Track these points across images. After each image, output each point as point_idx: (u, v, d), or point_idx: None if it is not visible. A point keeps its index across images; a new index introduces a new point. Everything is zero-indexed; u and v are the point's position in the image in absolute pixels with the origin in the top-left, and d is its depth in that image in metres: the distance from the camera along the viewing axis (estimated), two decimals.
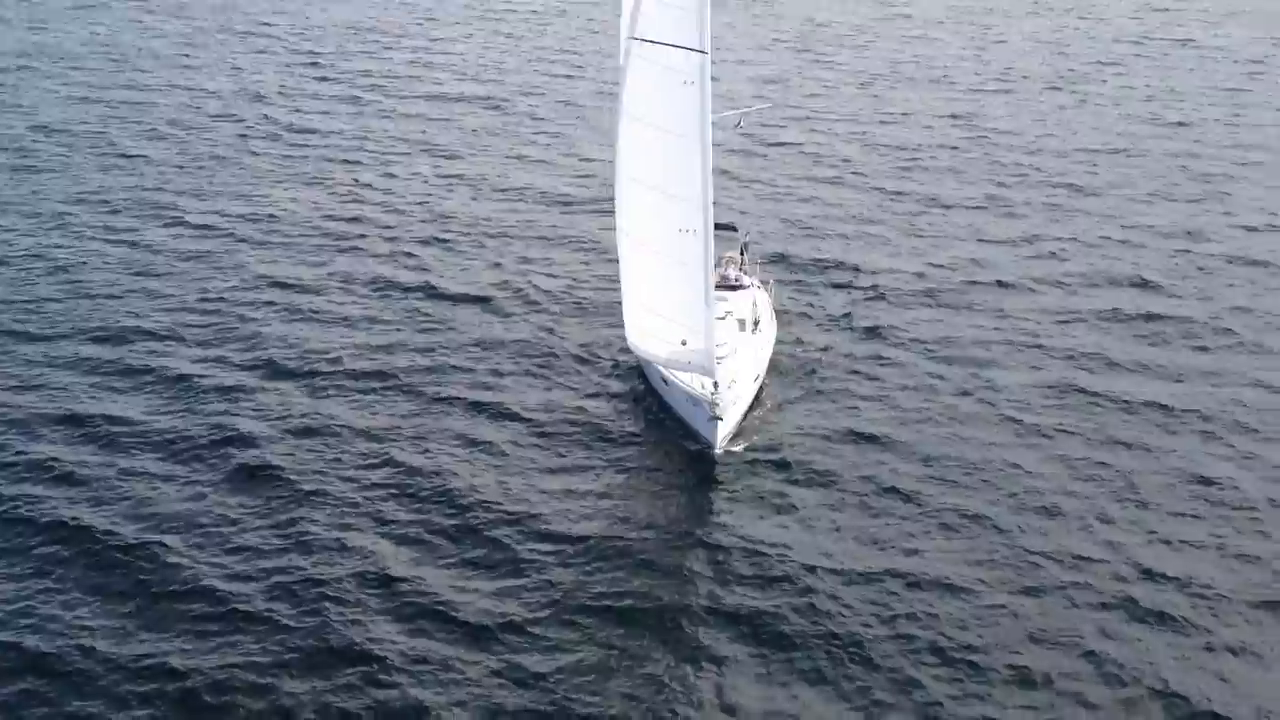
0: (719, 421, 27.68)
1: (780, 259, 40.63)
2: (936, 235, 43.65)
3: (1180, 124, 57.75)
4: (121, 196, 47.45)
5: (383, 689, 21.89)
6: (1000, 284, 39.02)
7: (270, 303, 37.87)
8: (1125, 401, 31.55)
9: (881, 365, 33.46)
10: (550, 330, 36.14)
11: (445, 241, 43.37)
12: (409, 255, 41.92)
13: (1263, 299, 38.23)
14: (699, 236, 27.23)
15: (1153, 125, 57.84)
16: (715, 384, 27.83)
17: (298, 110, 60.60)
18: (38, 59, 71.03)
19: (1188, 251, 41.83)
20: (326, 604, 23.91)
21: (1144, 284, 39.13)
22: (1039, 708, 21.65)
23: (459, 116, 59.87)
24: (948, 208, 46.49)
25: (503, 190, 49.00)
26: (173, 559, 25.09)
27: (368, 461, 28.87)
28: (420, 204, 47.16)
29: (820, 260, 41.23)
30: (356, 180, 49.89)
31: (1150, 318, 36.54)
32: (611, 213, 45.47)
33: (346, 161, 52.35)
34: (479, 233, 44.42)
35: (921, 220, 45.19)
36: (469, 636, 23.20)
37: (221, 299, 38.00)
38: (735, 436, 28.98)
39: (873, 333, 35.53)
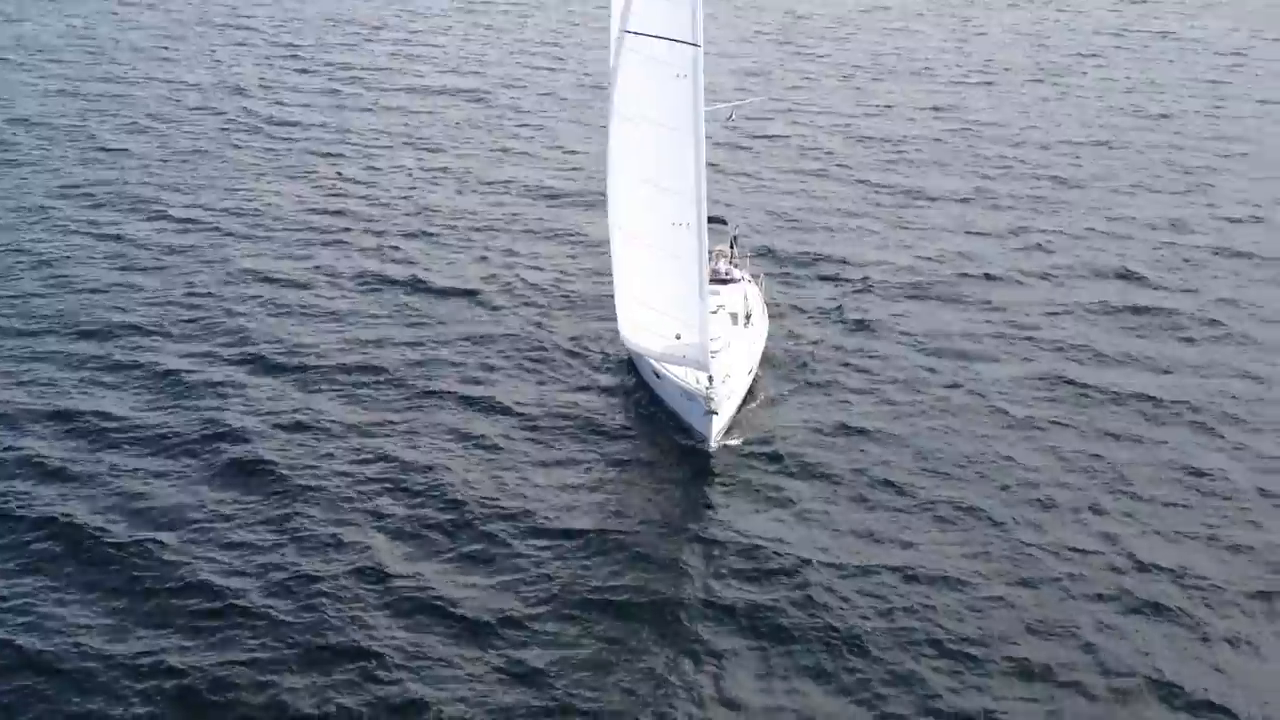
0: (714, 416, 27.61)
1: (767, 252, 40.63)
2: (923, 228, 43.74)
3: (1162, 116, 58.08)
4: (104, 190, 47.05)
5: (381, 685, 21.77)
6: (988, 276, 39.15)
7: (257, 297, 37.63)
8: (1114, 393, 31.70)
9: (872, 358, 33.51)
10: (539, 324, 36.02)
11: (431, 235, 43.18)
12: (395, 249, 41.71)
13: (1247, 290, 38.48)
14: (692, 230, 27.17)
15: (1134, 117, 58.14)
16: (710, 378, 27.77)
17: (279, 103, 60.23)
18: (13, 51, 70.38)
19: (1173, 244, 42.07)
20: (323, 600, 23.77)
21: (1130, 276, 39.34)
22: (1037, 699, 21.72)
23: (441, 109, 59.62)
24: (933, 200, 46.60)
25: (488, 183, 48.83)
26: (167, 556, 24.90)
27: (360, 457, 28.71)
28: (405, 197, 46.95)
29: (807, 253, 41.25)
30: (340, 174, 49.63)
31: (1137, 310, 36.73)
32: (598, 205, 45.82)
33: (329, 155, 52.05)
34: (465, 226, 44.24)
35: (907, 213, 45.28)
36: (466, 631, 23.10)
37: (208, 294, 37.72)
38: (729, 430, 28.96)
39: (862, 326, 35.58)
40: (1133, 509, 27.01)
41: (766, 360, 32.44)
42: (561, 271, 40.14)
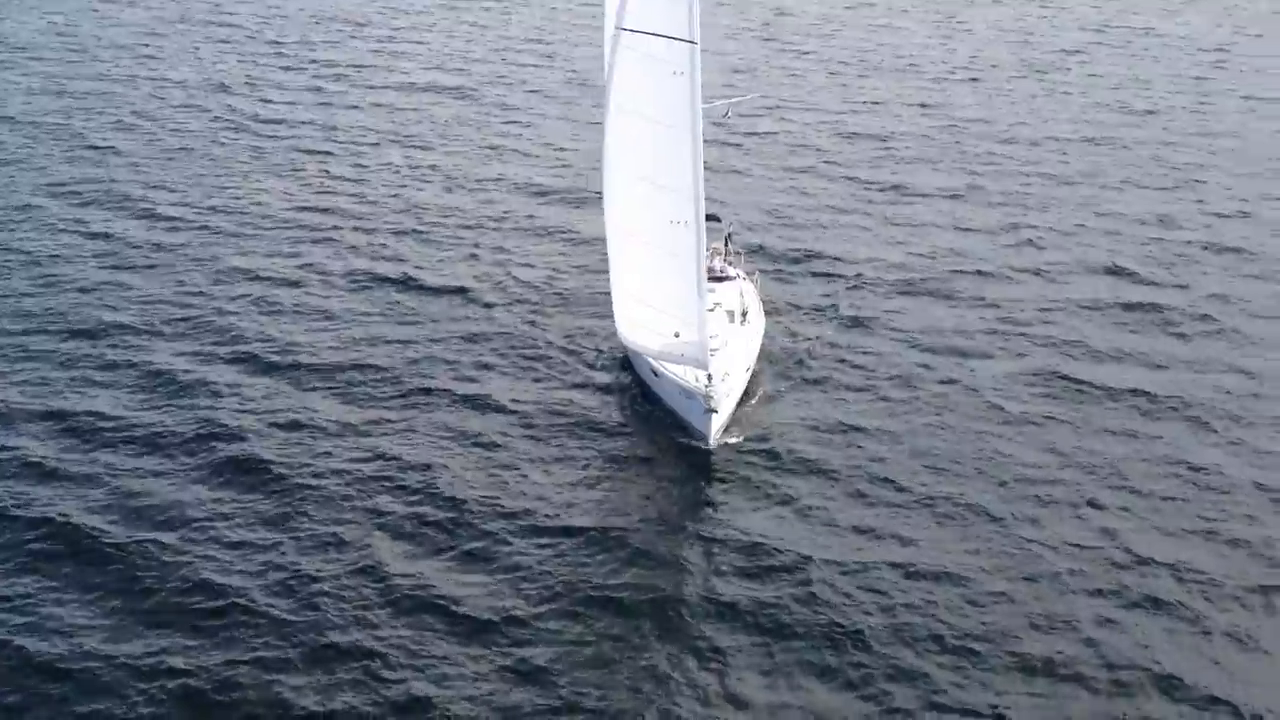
0: (714, 414, 27.58)
1: (759, 249, 40.61)
2: (914, 224, 43.82)
3: (1148, 112, 58.35)
4: (91, 188, 46.73)
5: (385, 684, 21.69)
6: (980, 273, 39.25)
7: (248, 295, 37.44)
8: (1109, 389, 31.81)
9: (867, 355, 33.55)
10: (533, 322, 35.95)
11: (421, 233, 43.03)
12: (386, 247, 41.56)
13: (1237, 285, 38.69)
14: (691, 228, 27.14)
15: (1121, 114, 58.39)
16: (709, 376, 27.73)
17: (264, 100, 59.94)
18: None
19: (1162, 239, 42.26)
20: (324, 599, 23.68)
21: (1121, 272, 39.49)
22: (1040, 693, 21.78)
23: (428, 106, 59.43)
24: (923, 196, 46.70)
25: (477, 181, 48.68)
26: (167, 556, 24.76)
27: (357, 455, 28.59)
28: (394, 195, 46.78)
29: (800, 250, 41.27)
30: (328, 172, 49.41)
31: (1129, 306, 36.88)
32: (588, 203, 45.88)
33: (317, 152, 51.82)
34: (455, 224, 44.11)
35: (898, 209, 45.36)
36: (469, 630, 23.03)
37: (199, 292, 37.52)
38: (728, 428, 28.94)
39: (857, 322, 35.63)
40: (1130, 504, 27.12)
41: (763, 357, 32.45)
42: (553, 269, 40.05)
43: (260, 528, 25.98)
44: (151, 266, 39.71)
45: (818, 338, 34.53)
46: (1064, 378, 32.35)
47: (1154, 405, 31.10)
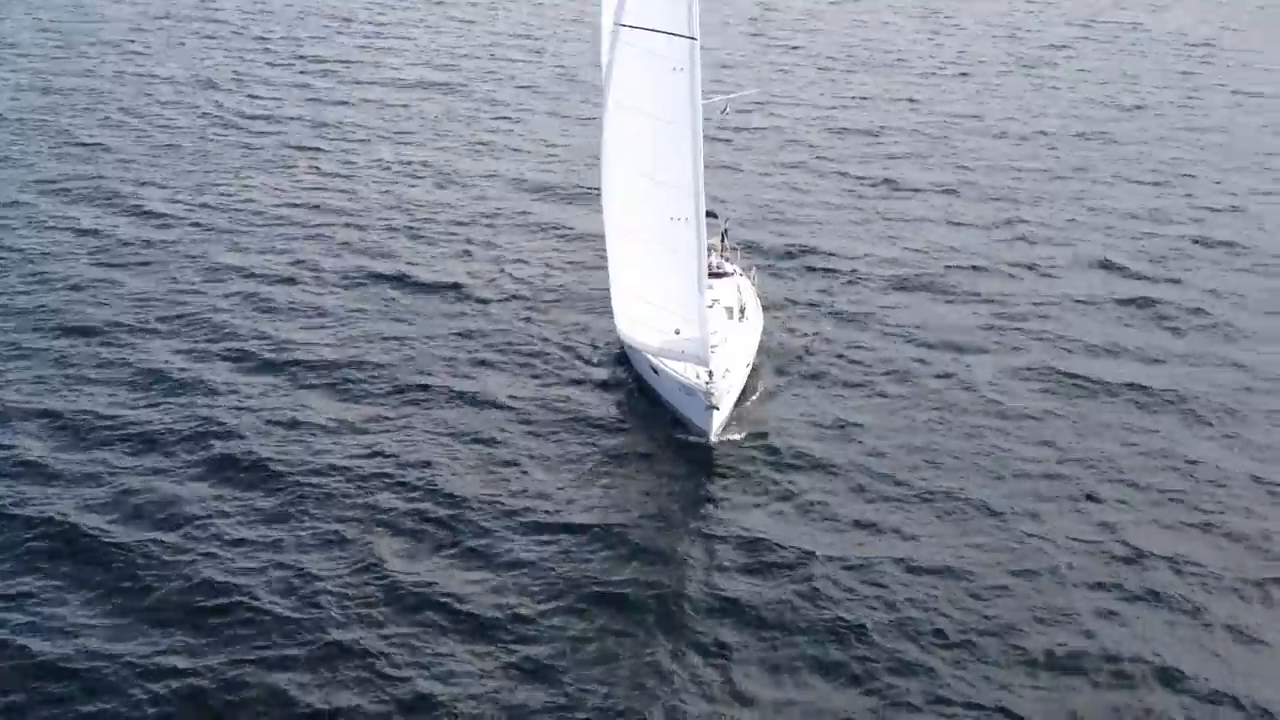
0: (715, 411, 27.59)
1: (753, 245, 40.59)
2: (906, 220, 43.91)
3: (1136, 107, 58.58)
4: (81, 185, 46.44)
5: (390, 682, 21.68)
6: (974, 268, 39.37)
7: (242, 293, 37.29)
8: (1105, 383, 31.96)
9: (865, 350, 33.62)
10: (528, 318, 35.90)
11: (414, 230, 42.89)
12: (379, 244, 41.43)
13: (1229, 280, 38.91)
14: (691, 224, 27.11)
15: (1110, 109, 58.60)
16: (710, 373, 27.72)
17: (252, 97, 59.64)
18: None
19: (1154, 234, 42.46)
20: (327, 597, 23.64)
21: (1114, 267, 39.67)
22: (1043, 686, 21.91)
23: (417, 103, 59.24)
24: (915, 191, 46.80)
25: (468, 177, 48.57)
26: (169, 555, 24.67)
27: (356, 453, 28.52)
28: (385, 192, 46.63)
29: (793, 246, 41.30)
30: (318, 168, 49.21)
31: (1123, 301, 37.05)
32: (580, 199, 45.85)
33: (306, 149, 51.59)
34: (447, 220, 44.00)
35: (890, 205, 45.44)
36: (472, 627, 23.03)
37: (194, 290, 37.34)
38: (728, 425, 28.95)
39: (853, 318, 35.69)
40: (1128, 497, 27.28)
41: (761, 353, 32.46)
42: (547, 265, 40.01)
43: (261, 526, 25.90)
44: (144, 264, 39.50)
45: (816, 333, 34.60)
46: (1060, 372, 32.51)
47: (1150, 399, 31.26)
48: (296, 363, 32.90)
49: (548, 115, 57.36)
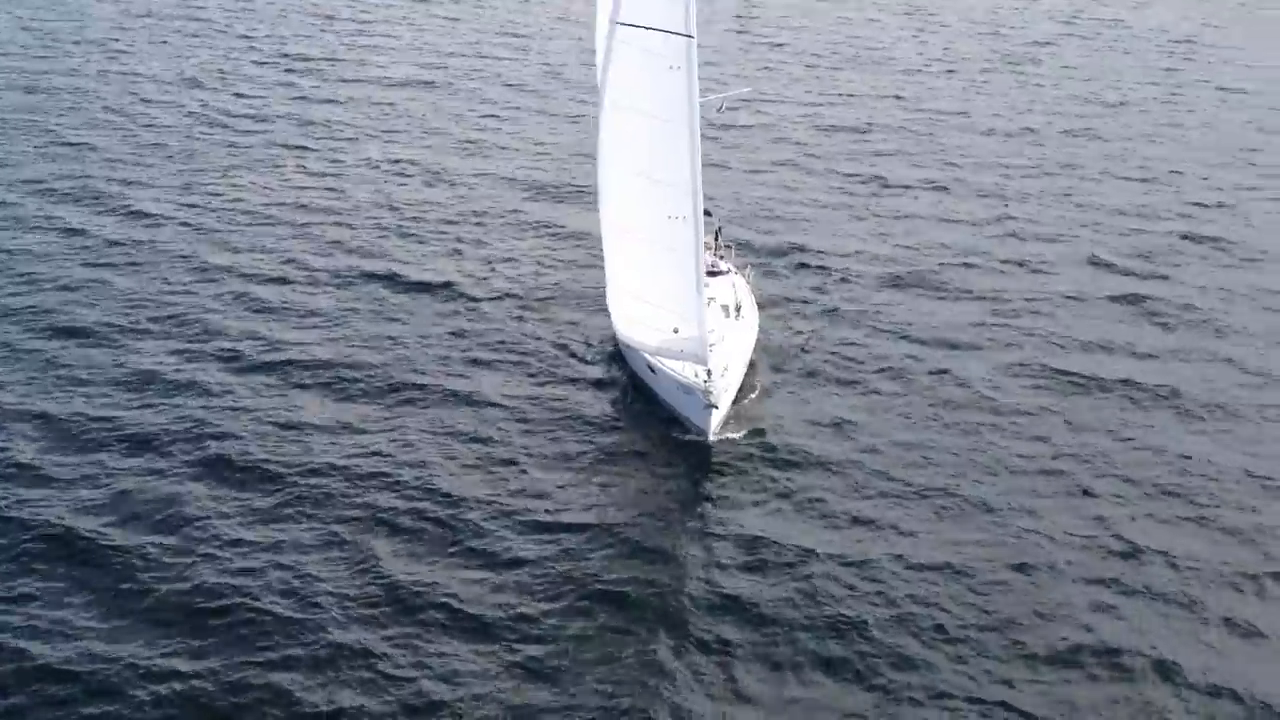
0: (714, 409, 27.64)
1: (744, 244, 40.66)
2: (896, 217, 44.06)
3: (1121, 104, 58.92)
4: (68, 186, 46.17)
5: (393, 682, 21.68)
6: (965, 265, 39.56)
7: (233, 293, 37.17)
8: (1098, 379, 32.18)
9: (859, 348, 33.75)
10: (520, 317, 35.90)
11: (404, 229, 42.82)
12: (369, 244, 41.34)
13: (1217, 275, 39.22)
14: (688, 223, 27.14)
15: (1095, 105, 58.92)
16: (709, 372, 27.76)
17: (238, 95, 59.40)
18: None
19: (1142, 231, 42.76)
20: (328, 598, 23.60)
21: (1103, 263, 39.92)
22: (1043, 680, 22.09)
23: (404, 101, 59.12)
24: (905, 189, 46.98)
25: (457, 175, 48.51)
26: (168, 557, 24.58)
27: (353, 454, 28.46)
28: (375, 191, 46.52)
29: (784, 244, 41.40)
30: (305, 167, 49.05)
31: (1114, 297, 37.29)
32: (570, 197, 45.88)
33: (293, 148, 51.42)
34: (436, 219, 43.94)
35: (880, 202, 45.59)
36: (473, 627, 23.04)
37: (185, 291, 37.18)
38: (725, 423, 29.00)
39: (846, 315, 35.81)
40: (1123, 492, 27.49)
41: (756, 351, 32.51)
42: (538, 263, 40.00)
43: (259, 526, 25.84)
44: (133, 264, 39.32)
45: (811, 331, 34.70)
46: (1053, 369, 32.73)
47: (1142, 394, 31.49)
48: (290, 363, 32.82)
49: (536, 113, 57.32)
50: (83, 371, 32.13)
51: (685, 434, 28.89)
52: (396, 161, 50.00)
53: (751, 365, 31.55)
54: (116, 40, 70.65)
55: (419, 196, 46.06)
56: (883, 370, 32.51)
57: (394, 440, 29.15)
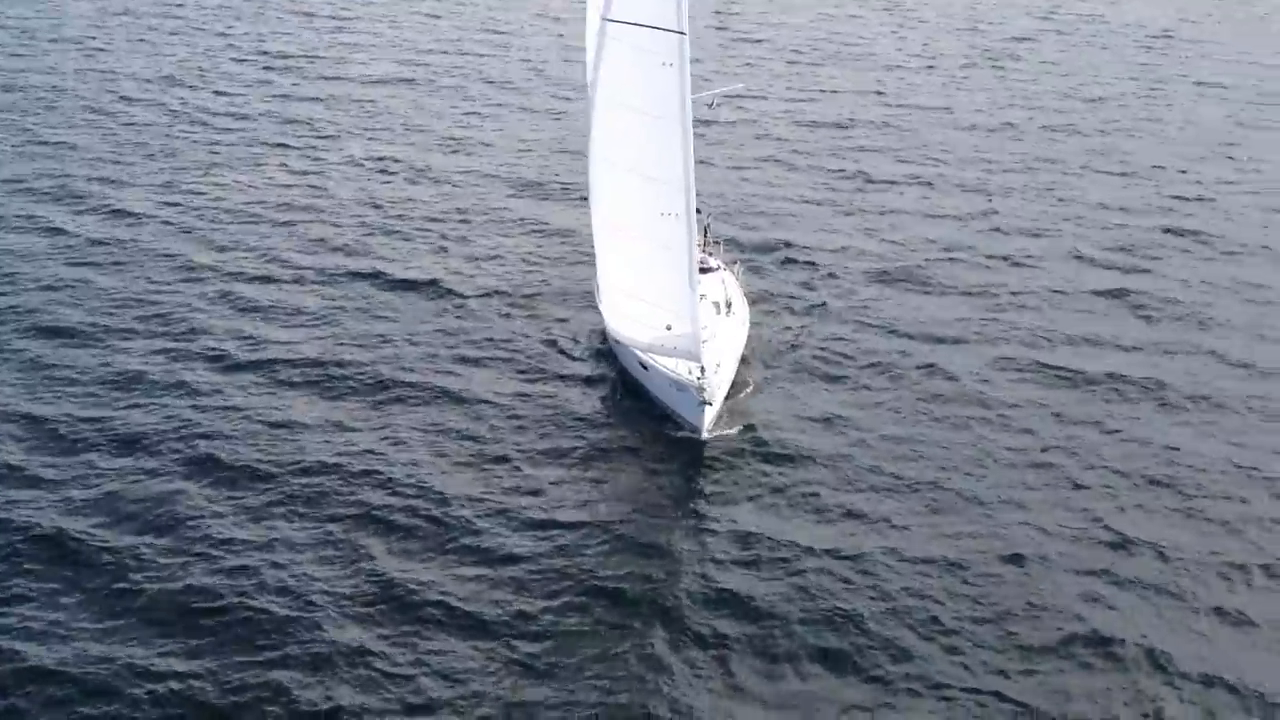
0: (708, 406, 27.72)
1: (730, 240, 40.70)
2: (881, 213, 44.20)
3: (1101, 99, 59.22)
4: (49, 185, 45.89)
5: (389, 679, 21.71)
6: (951, 260, 39.72)
7: (219, 292, 37.05)
8: (1083, 373, 32.38)
9: (847, 344, 33.87)
10: (507, 315, 35.89)
11: (388, 227, 42.72)
12: (354, 242, 41.22)
13: (1199, 268, 39.51)
14: (681, 219, 27.18)
15: (1074, 100, 59.22)
16: (702, 368, 27.83)
17: (218, 93, 59.09)
18: None
19: (1124, 225, 43.01)
20: (322, 597, 23.61)
21: (1087, 258, 40.13)
22: (1038, 670, 22.27)
23: (386, 98, 58.93)
24: (888, 184, 47.13)
25: (440, 172, 48.41)
26: (164, 558, 24.54)
27: (344, 453, 28.43)
28: (359, 189, 46.39)
29: (770, 240, 41.48)
30: (287, 166, 48.86)
31: (1099, 291, 37.49)
32: (555, 194, 45.89)
33: (275, 146, 51.20)
34: (421, 216, 43.86)
35: (865, 198, 45.72)
36: (470, 625, 23.08)
37: (170, 290, 37.04)
38: (718, 419, 29.08)
39: (834, 311, 35.93)
40: (1112, 484, 27.70)
41: (747, 347, 32.60)
42: (524, 260, 39.99)
43: (251, 526, 25.81)
44: (118, 264, 39.14)
45: (800, 327, 34.82)
46: (1040, 363, 32.91)
47: (1128, 387, 31.72)
48: (278, 361, 32.77)
49: (518, 110, 57.24)
50: (69, 372, 32.00)
51: (678, 430, 28.97)
52: (380, 159, 49.87)
53: (743, 361, 31.63)
54: (94, 38, 70.19)
55: (403, 194, 45.97)
56: (872, 365, 32.66)
57: (385, 438, 29.15)
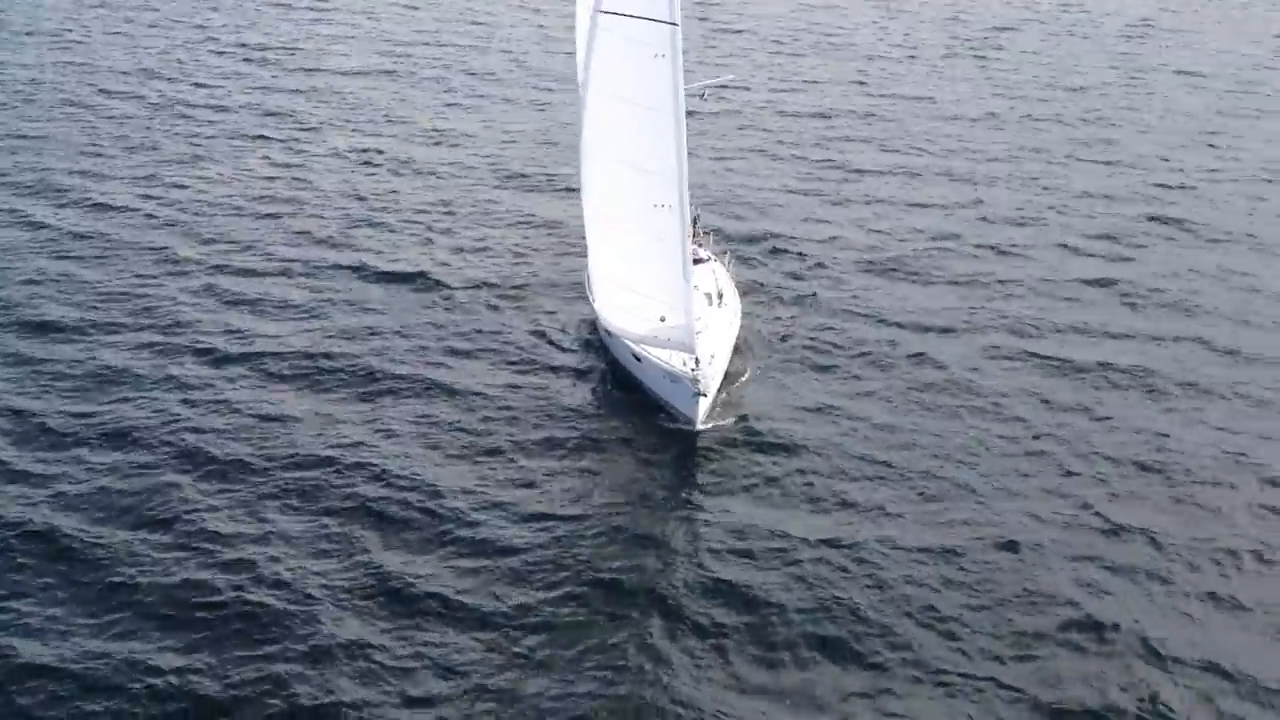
0: (702, 397, 27.74)
1: (718, 231, 40.72)
2: (868, 202, 44.30)
3: (1083, 88, 59.47)
4: (30, 179, 45.48)
5: (387, 672, 21.70)
6: (939, 250, 39.84)
7: (204, 286, 36.81)
8: (1072, 361, 32.58)
9: (836, 333, 33.97)
10: (496, 307, 35.81)
11: (373, 219, 42.52)
12: (339, 234, 41.02)
13: (1184, 256, 39.78)
14: (674, 210, 27.17)
15: (1057, 90, 59.46)
16: (696, 360, 27.84)
17: (198, 85, 58.68)
18: None
19: (1109, 214, 43.23)
20: (319, 591, 23.55)
21: (1073, 247, 40.33)
22: (1035, 656, 22.42)
23: (367, 90, 58.64)
24: (874, 174, 47.22)
25: (424, 164, 48.22)
26: (157, 554, 24.42)
27: (335, 447, 28.32)
28: (342, 181, 46.17)
29: (758, 231, 41.51)
30: (269, 158, 48.58)
31: (1085, 280, 37.70)
32: (541, 186, 45.81)
33: (258, 138, 50.83)
34: (406, 208, 43.69)
35: (851, 188, 45.79)
36: (467, 617, 23.08)
37: (155, 284, 36.78)
38: (711, 410, 29.11)
39: (823, 301, 36.00)
40: (1103, 471, 27.88)
41: (738, 338, 32.64)
42: (510, 251, 39.91)
43: (245, 520, 25.71)
44: (101, 258, 38.86)
45: (790, 317, 34.88)
46: (1029, 351, 33.10)
47: (1117, 375, 31.93)
48: (266, 355, 32.62)
49: (501, 101, 57.08)
50: (56, 366, 31.78)
51: (671, 421, 28.99)
52: (363, 151, 49.64)
53: (734, 351, 31.67)
54: (70, 30, 69.58)
55: (386, 186, 45.78)
56: (862, 355, 32.76)
57: (377, 431, 29.08)
